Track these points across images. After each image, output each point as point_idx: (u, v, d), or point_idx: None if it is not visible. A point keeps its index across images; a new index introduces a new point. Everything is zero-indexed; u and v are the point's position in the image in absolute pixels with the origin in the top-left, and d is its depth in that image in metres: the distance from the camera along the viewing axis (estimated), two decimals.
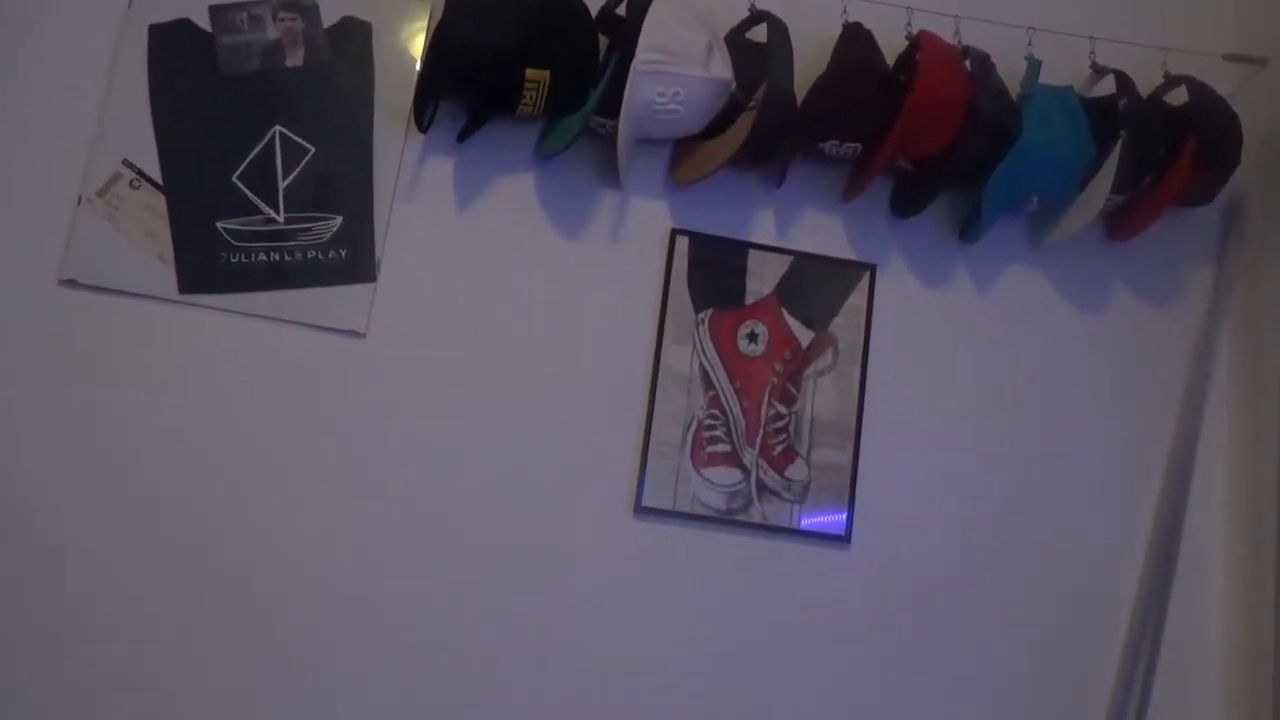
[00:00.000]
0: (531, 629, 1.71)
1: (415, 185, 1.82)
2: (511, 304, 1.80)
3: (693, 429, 1.77)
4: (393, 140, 1.82)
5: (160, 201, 1.76)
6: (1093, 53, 1.94)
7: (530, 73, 1.72)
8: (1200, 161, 1.80)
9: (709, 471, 1.76)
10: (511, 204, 1.84)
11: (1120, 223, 1.91)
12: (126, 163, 1.76)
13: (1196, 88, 1.88)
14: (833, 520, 1.77)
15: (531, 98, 1.75)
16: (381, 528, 1.71)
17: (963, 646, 1.78)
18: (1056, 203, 1.85)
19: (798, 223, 1.89)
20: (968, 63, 1.82)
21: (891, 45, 1.85)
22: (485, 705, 1.69)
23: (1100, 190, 1.79)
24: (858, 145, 1.80)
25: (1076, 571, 1.82)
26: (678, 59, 1.70)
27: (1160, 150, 1.81)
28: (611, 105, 1.72)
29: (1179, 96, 1.90)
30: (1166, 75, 1.93)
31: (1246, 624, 1.79)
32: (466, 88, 1.77)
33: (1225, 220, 1.97)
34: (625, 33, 1.73)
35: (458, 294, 1.80)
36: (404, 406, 1.75)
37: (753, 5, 1.87)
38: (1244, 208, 1.95)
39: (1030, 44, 1.90)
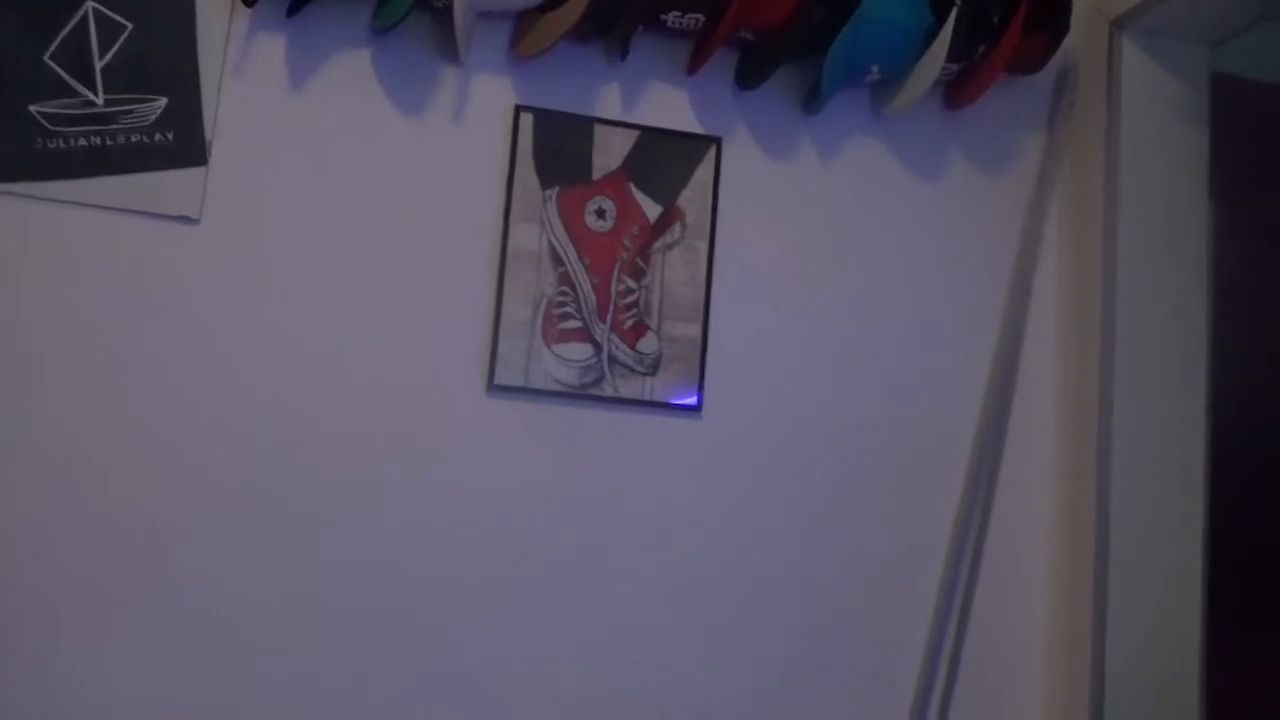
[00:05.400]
0: (389, 511, 1.71)
1: (244, 63, 1.75)
2: (352, 184, 1.75)
3: (543, 306, 1.77)
4: (217, 15, 1.73)
5: None
6: None
7: None
8: (1031, 27, 1.84)
9: (561, 348, 1.77)
10: (348, 81, 1.78)
11: (957, 91, 1.95)
12: None
13: None
14: (684, 391, 1.80)
15: None
16: (226, 416, 1.67)
17: (811, 505, 1.85)
18: (896, 72, 1.88)
19: (643, 97, 1.87)
20: None
21: None
22: (340, 585, 1.68)
23: (936, 58, 1.82)
24: (699, 16, 1.79)
25: (917, 430, 1.90)
26: None
27: (993, 18, 1.85)
28: None
29: None
30: None
31: (1072, 453, 1.91)
32: None
33: (1056, 89, 2.03)
34: None
35: (295, 175, 1.74)
36: (244, 293, 1.70)
37: None
38: (1074, 75, 2.01)
39: None
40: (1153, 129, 1.93)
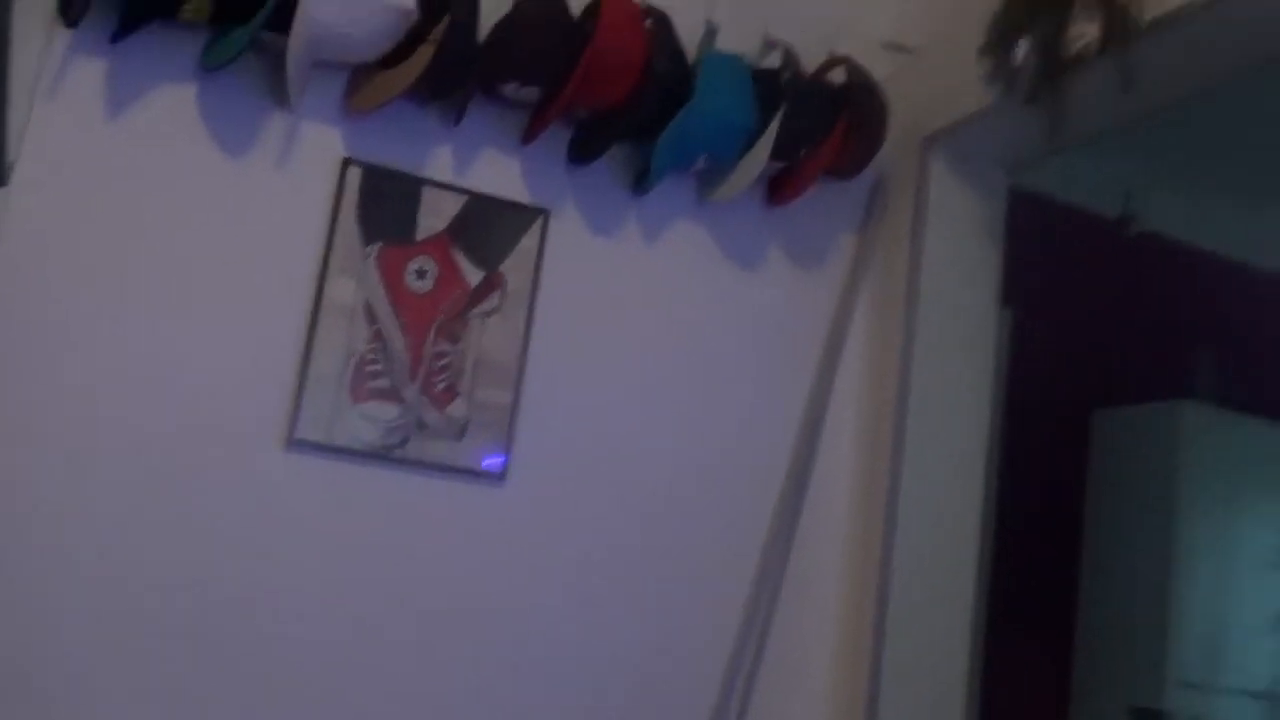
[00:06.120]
0: (175, 561, 1.65)
1: (60, 85, 1.68)
2: (164, 222, 1.70)
3: (353, 363, 1.75)
4: (34, 32, 1.65)
5: None
6: (767, 26, 2.04)
7: None
8: (850, 137, 1.95)
9: (367, 406, 1.75)
10: (170, 116, 1.73)
11: (778, 188, 2.05)
12: None
13: (854, 69, 2.02)
14: (490, 458, 1.81)
15: (197, 2, 1.64)
16: (12, 454, 1.59)
17: (605, 577, 1.87)
18: (722, 163, 1.96)
19: (475, 162, 1.89)
20: (649, 21, 1.87)
21: None
22: (130, 643, 1.62)
23: (760, 155, 1.90)
24: (536, 89, 1.83)
25: (717, 509, 1.96)
26: None
27: (815, 124, 1.95)
28: (286, 20, 1.65)
29: (840, 76, 2.04)
30: (831, 54, 2.06)
31: (861, 535, 2.01)
32: None
33: (870, 195, 2.15)
34: None
35: (103, 207, 1.67)
36: (37, 327, 1.62)
37: None
38: (886, 184, 2.14)
39: (712, 9, 1.98)
40: (953, 239, 2.07)
